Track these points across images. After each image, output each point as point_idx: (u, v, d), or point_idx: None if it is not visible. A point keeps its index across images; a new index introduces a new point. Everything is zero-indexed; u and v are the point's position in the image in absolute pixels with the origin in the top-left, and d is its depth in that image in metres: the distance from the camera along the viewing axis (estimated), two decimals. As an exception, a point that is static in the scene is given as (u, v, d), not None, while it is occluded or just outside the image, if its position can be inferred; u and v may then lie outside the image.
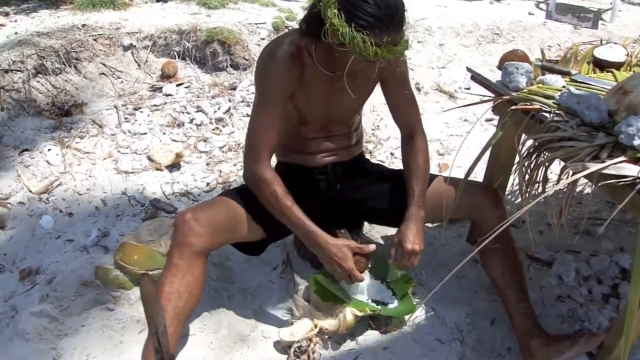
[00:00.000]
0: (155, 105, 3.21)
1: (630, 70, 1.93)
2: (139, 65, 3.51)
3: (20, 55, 3.08)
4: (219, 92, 3.37)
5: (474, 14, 4.59)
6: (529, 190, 1.58)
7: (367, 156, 2.48)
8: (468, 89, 3.75)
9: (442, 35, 4.28)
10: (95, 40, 3.43)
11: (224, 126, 3.12)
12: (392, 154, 3.02)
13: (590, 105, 1.47)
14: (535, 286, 2.06)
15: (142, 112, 3.14)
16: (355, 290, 1.83)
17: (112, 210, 2.47)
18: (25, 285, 2.02)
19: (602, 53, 1.95)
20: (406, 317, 1.91)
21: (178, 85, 3.41)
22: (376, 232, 2.35)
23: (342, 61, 1.45)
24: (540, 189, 1.57)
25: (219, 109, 3.19)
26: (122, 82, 3.40)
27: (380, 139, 3.14)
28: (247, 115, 3.18)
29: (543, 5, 5.12)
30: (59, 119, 3.02)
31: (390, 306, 1.86)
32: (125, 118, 3.09)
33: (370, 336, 1.86)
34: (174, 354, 1.57)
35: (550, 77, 1.74)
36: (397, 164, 2.81)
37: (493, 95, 1.84)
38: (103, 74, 3.38)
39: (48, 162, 2.69)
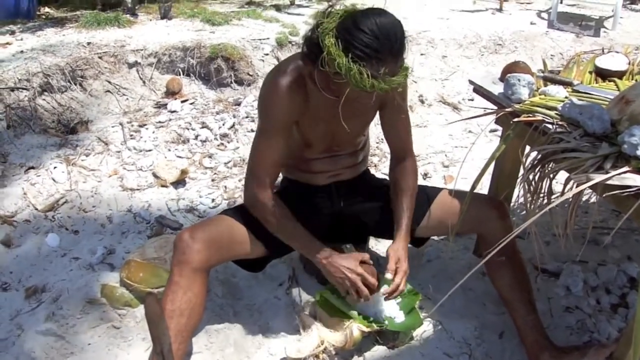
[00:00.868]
0: (160, 122, 3.22)
1: (632, 79, 1.92)
2: (143, 82, 3.54)
3: (26, 74, 3.12)
4: (223, 108, 3.39)
5: (476, 25, 4.61)
6: (534, 201, 1.58)
7: (372, 170, 2.48)
8: (472, 100, 3.75)
9: (445, 47, 4.30)
10: (100, 58, 3.46)
11: (228, 142, 3.13)
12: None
13: (593, 116, 1.46)
14: (543, 297, 2.04)
15: (147, 129, 3.15)
16: (361, 306, 1.82)
17: (118, 228, 2.47)
18: (31, 303, 2.02)
19: (604, 62, 1.95)
20: (413, 332, 1.89)
21: (183, 101, 3.43)
22: (382, 246, 2.34)
23: (340, 89, 1.43)
24: (545, 200, 1.56)
25: (223, 124, 3.20)
26: (127, 99, 3.43)
27: (385, 152, 3.14)
28: (252, 131, 3.20)
29: (545, 15, 5.13)
30: (65, 137, 3.04)
31: (397, 321, 1.84)
32: (131, 135, 3.11)
33: (378, 352, 1.85)
34: (179, 372, 1.57)
35: (552, 88, 1.74)
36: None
37: (496, 108, 1.84)
38: (108, 91, 3.41)
39: (54, 180, 2.71)
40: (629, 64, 1.96)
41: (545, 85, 1.83)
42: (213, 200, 2.68)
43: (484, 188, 2.23)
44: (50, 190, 2.66)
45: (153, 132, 3.13)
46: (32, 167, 2.77)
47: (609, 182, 1.30)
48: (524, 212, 1.70)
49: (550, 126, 1.57)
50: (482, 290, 2.09)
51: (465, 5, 5.33)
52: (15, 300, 2.04)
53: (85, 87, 3.34)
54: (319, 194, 1.86)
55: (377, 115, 1.81)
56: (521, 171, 1.65)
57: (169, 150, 3.03)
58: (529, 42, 4.48)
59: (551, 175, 1.53)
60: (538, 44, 4.47)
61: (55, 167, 2.76)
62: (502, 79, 1.88)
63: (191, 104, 3.44)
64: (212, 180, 2.84)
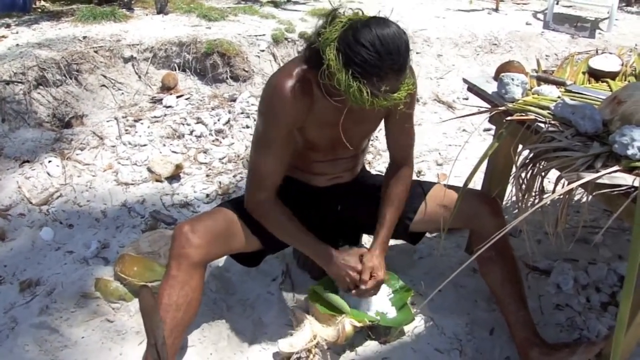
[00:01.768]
0: (155, 117, 3.23)
1: (625, 80, 1.95)
2: (139, 77, 3.54)
3: (21, 67, 3.11)
4: (218, 103, 3.40)
5: (472, 25, 4.63)
6: (525, 199, 1.59)
7: (366, 167, 2.49)
8: (466, 99, 3.77)
9: (441, 45, 4.31)
10: (96, 52, 3.46)
11: (223, 138, 3.13)
12: (391, 164, 3.03)
13: (585, 116, 1.48)
14: (533, 295, 2.06)
15: (142, 123, 3.16)
16: (354, 301, 1.83)
17: (112, 222, 2.48)
18: (25, 296, 2.03)
19: (597, 63, 1.97)
20: (405, 327, 1.91)
21: (178, 96, 3.43)
22: (375, 242, 2.35)
23: (343, 98, 1.38)
24: (536, 199, 1.58)
25: (218, 120, 3.21)
26: (122, 93, 3.43)
27: (379, 149, 3.16)
28: (247, 127, 3.20)
29: (540, 15, 5.16)
30: (60, 131, 3.04)
31: (389, 316, 1.86)
32: (126, 130, 3.11)
33: (370, 347, 1.86)
34: (173, 366, 1.58)
35: (545, 88, 1.76)
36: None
37: (489, 106, 1.86)
38: (104, 85, 3.41)
39: (48, 174, 2.71)
40: (622, 65, 1.98)
41: (539, 84, 1.85)
42: (207, 195, 2.69)
43: (476, 186, 2.24)
44: (45, 184, 2.66)
45: (148, 127, 3.13)
46: (27, 161, 2.77)
47: (600, 180, 1.31)
48: (516, 210, 1.72)
49: (542, 125, 1.58)
50: (473, 287, 2.11)
51: (462, 5, 5.35)
52: (10, 294, 2.04)
53: (81, 81, 3.34)
54: (317, 196, 1.84)
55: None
56: (513, 169, 1.67)
57: (164, 145, 3.04)
58: (525, 42, 4.51)
59: (543, 174, 1.55)
60: (533, 45, 4.50)
61: (50, 161, 2.76)
62: (496, 78, 1.90)
63: (186, 99, 3.44)
64: (207, 175, 2.85)
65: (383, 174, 2.39)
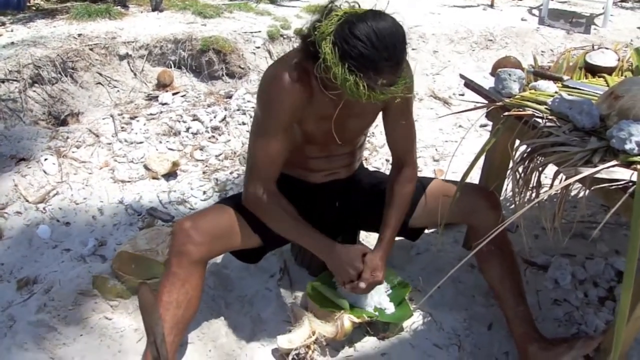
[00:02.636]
0: (151, 114, 3.22)
1: (621, 75, 1.95)
2: (135, 74, 3.53)
3: (16, 65, 3.09)
4: (214, 100, 3.39)
5: (468, 21, 4.63)
6: (522, 194, 1.60)
7: (363, 163, 2.49)
8: (462, 95, 3.78)
9: (436, 42, 4.32)
10: (91, 49, 3.44)
11: (220, 134, 3.13)
12: (387, 160, 3.03)
13: (582, 111, 1.48)
14: (531, 290, 2.07)
15: (138, 121, 3.15)
16: (352, 297, 1.83)
17: (109, 220, 2.47)
18: (22, 295, 2.02)
19: (594, 58, 1.98)
20: (403, 323, 1.91)
21: (174, 94, 3.42)
22: (372, 239, 2.35)
23: (340, 91, 1.38)
24: (534, 194, 1.58)
25: (215, 117, 3.20)
26: (118, 91, 3.42)
27: (376, 145, 3.16)
28: (243, 124, 3.20)
29: (536, 11, 5.17)
30: (56, 129, 3.02)
31: (388, 312, 1.86)
32: (122, 127, 3.10)
33: (368, 342, 1.87)
34: (172, 363, 1.58)
35: (542, 83, 1.76)
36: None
37: (486, 102, 1.86)
38: (99, 83, 3.39)
39: (45, 172, 2.70)
40: (619, 60, 1.99)
41: (536, 80, 1.85)
42: (204, 192, 2.69)
43: (473, 182, 2.25)
44: (41, 182, 2.65)
45: (144, 125, 3.12)
46: (23, 159, 2.75)
47: (597, 175, 1.32)
48: (513, 205, 1.73)
49: (540, 120, 1.59)
50: (471, 283, 2.12)
51: (457, 1, 5.35)
52: (7, 292, 2.03)
53: (76, 78, 3.32)
54: (314, 192, 1.83)
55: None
56: (510, 165, 1.67)
57: (160, 142, 3.03)
58: (520, 38, 4.52)
59: (540, 169, 1.55)
60: (529, 40, 4.50)
61: (46, 159, 2.75)
62: (493, 73, 1.90)
63: (182, 96, 3.43)
64: (203, 172, 2.84)
65: (380, 171, 2.39)
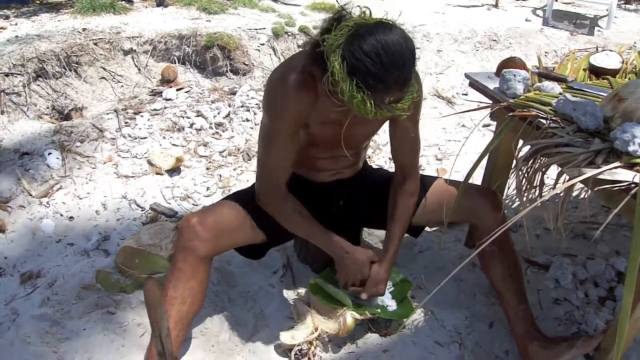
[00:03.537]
0: (155, 110, 3.22)
1: (625, 77, 1.96)
2: (139, 69, 3.53)
3: (20, 59, 3.10)
4: (218, 96, 3.40)
5: (472, 21, 4.63)
6: (526, 194, 1.60)
7: (367, 161, 2.50)
8: (466, 94, 3.79)
9: (440, 41, 4.32)
10: (95, 44, 3.45)
11: (223, 131, 3.14)
12: (390, 158, 3.04)
13: (586, 112, 1.49)
14: (532, 289, 2.08)
15: (142, 116, 3.15)
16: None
17: (113, 214, 2.48)
18: (26, 288, 2.03)
19: (598, 60, 1.98)
20: (405, 320, 1.92)
21: (178, 89, 3.43)
22: (375, 236, 2.37)
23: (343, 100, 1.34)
24: (537, 194, 1.59)
25: (218, 113, 3.21)
26: (122, 86, 3.43)
27: (379, 144, 3.17)
28: (247, 120, 3.21)
29: (540, 12, 5.17)
30: (59, 123, 3.03)
31: (390, 309, 1.87)
32: (126, 122, 3.10)
33: (370, 339, 1.88)
34: (177, 358, 1.59)
35: (547, 84, 1.77)
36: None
37: (491, 102, 1.87)
38: (103, 78, 3.40)
39: (48, 166, 2.70)
40: (623, 62, 1.99)
41: (540, 81, 1.86)
42: (208, 188, 2.70)
43: (476, 181, 2.26)
44: (45, 176, 2.66)
45: (148, 120, 3.13)
46: (27, 153, 2.76)
47: (600, 176, 1.32)
48: (515, 205, 1.74)
49: (544, 121, 1.59)
50: (473, 281, 2.13)
51: (461, 0, 5.36)
52: (11, 286, 2.05)
53: (80, 73, 3.33)
54: (319, 191, 1.84)
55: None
56: (513, 165, 1.68)
57: (164, 138, 3.04)
58: (524, 38, 4.52)
59: (543, 169, 1.56)
60: (532, 41, 4.51)
61: (49, 153, 2.76)
62: (498, 74, 1.91)
63: (186, 92, 3.44)
64: (207, 168, 2.85)
65: (383, 168, 2.40)
